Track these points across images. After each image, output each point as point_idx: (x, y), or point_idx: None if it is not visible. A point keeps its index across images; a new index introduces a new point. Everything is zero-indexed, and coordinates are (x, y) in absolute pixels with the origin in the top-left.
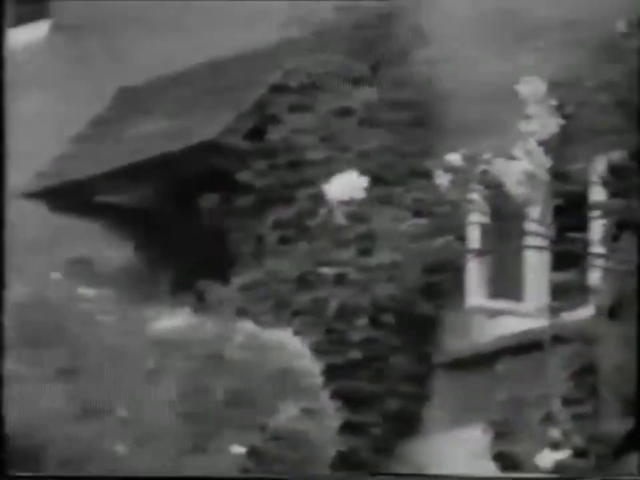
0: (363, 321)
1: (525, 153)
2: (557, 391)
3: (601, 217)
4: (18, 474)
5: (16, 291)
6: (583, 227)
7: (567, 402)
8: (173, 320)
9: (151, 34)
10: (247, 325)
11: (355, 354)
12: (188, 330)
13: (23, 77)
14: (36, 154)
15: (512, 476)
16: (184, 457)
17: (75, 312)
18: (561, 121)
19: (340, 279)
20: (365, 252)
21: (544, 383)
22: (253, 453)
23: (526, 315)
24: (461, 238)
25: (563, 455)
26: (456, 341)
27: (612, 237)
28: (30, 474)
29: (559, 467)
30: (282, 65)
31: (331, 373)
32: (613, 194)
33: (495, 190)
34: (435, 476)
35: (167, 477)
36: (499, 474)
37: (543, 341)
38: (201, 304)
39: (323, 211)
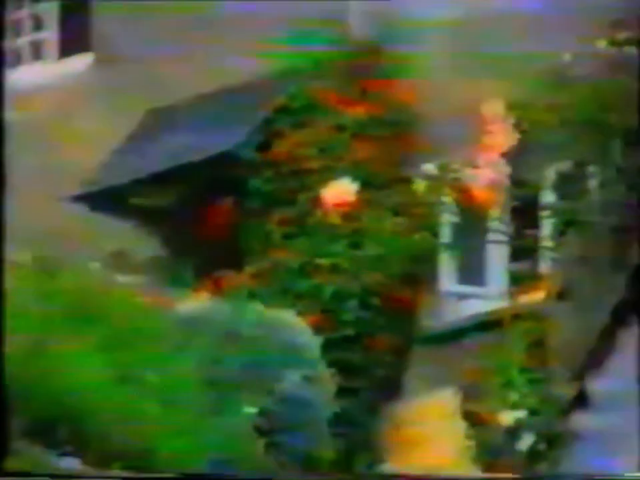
0: (353, 304)
1: (488, 163)
2: (514, 360)
3: (550, 216)
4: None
5: (63, 279)
6: (535, 224)
7: (523, 370)
8: (194, 302)
9: (176, 63)
10: (257, 307)
11: (347, 331)
12: (207, 310)
13: (72, 102)
14: (83, 165)
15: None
16: (205, 417)
17: (113, 295)
18: (517, 136)
19: (334, 268)
20: (355, 246)
21: (504, 354)
22: (262, 413)
23: (489, 298)
24: (435, 234)
25: (520, 414)
26: (431, 320)
27: (559, 233)
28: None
29: (516, 423)
30: (286, 89)
31: (327, 346)
32: (561, 197)
33: (463, 194)
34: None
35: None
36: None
37: (503, 319)
38: (218, 289)
39: (320, 211)
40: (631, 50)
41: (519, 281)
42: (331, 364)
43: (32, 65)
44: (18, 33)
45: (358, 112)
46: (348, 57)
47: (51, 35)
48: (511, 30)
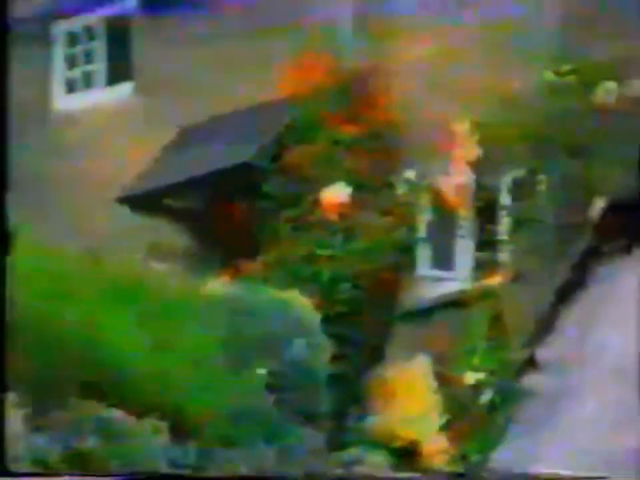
0: (346, 286)
1: (456, 171)
2: (477, 331)
3: (507, 215)
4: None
5: (109, 265)
6: (495, 221)
7: (484, 339)
8: (217, 285)
9: (202, 89)
10: (269, 288)
11: (341, 308)
12: (228, 291)
13: (117, 122)
14: (126, 173)
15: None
16: (225, 377)
17: (149, 279)
18: (480, 149)
19: (331, 258)
20: (349, 239)
21: (468, 326)
22: (272, 374)
23: (457, 281)
24: (414, 229)
25: (480, 375)
26: (410, 299)
27: (513, 228)
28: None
29: (477, 382)
30: (292, 112)
31: (324, 321)
32: (515, 199)
33: (437, 197)
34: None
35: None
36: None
37: (468, 298)
38: (237, 274)
39: (319, 211)
40: (572, 79)
41: (481, 267)
42: (327, 335)
43: (84, 92)
44: (72, 65)
45: (351, 130)
46: (342, 86)
47: (99, 67)
48: (475, 61)
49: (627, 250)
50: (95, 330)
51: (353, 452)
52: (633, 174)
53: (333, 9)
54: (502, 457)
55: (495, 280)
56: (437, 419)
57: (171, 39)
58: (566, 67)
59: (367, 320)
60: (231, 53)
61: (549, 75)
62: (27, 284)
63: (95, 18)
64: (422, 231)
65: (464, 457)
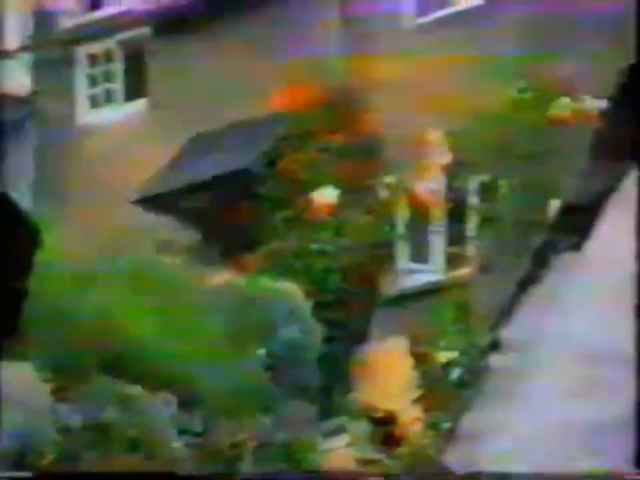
0: (335, 277)
1: (430, 176)
2: (448, 316)
3: (474, 214)
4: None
5: (126, 261)
6: (464, 220)
7: (454, 323)
8: (221, 277)
9: (207, 105)
10: (266, 279)
11: (330, 296)
12: (230, 282)
13: (133, 133)
14: (141, 178)
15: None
16: (229, 357)
17: (161, 272)
18: (451, 156)
19: (321, 252)
20: (337, 235)
21: (441, 312)
22: (269, 354)
23: (431, 272)
24: (393, 227)
25: (451, 354)
26: (390, 288)
27: (480, 226)
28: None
29: (449, 361)
30: (286, 123)
31: (315, 307)
32: (481, 200)
33: (413, 198)
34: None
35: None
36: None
37: (441, 287)
38: (238, 267)
39: (310, 211)
40: (531, 95)
41: (451, 260)
42: (318, 320)
43: (104, 107)
44: (94, 84)
45: (337, 140)
46: (330, 102)
47: (117, 85)
48: (447, 80)
49: (577, 246)
50: (113, 316)
51: (339, 421)
52: (583, 179)
53: (321, 34)
54: (470, 422)
55: (464, 272)
56: (412, 393)
57: (180, 60)
58: (525, 85)
59: (352, 307)
60: (233, 74)
61: (511, 92)
62: (54, 276)
63: (113, 42)
64: (400, 229)
65: (435, 425)
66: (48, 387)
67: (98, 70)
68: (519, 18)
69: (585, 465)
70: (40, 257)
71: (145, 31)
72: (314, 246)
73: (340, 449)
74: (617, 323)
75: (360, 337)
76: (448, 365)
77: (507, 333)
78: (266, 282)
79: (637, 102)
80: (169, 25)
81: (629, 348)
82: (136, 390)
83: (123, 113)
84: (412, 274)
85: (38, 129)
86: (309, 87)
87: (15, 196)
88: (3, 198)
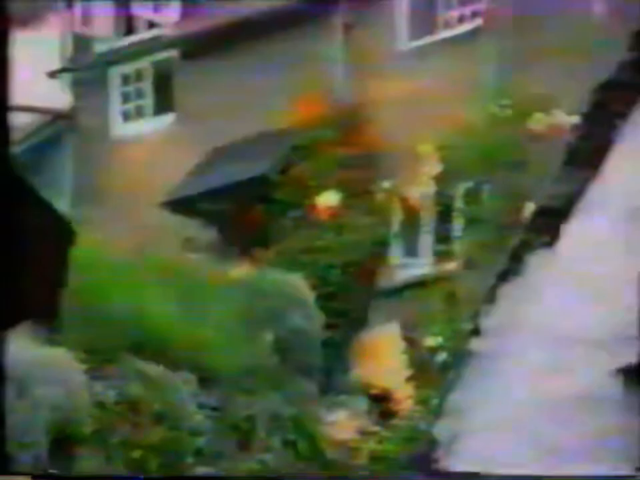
0: (337, 272)
1: (422, 182)
2: (436, 306)
3: (459, 216)
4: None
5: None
6: (450, 221)
7: (441, 312)
8: (237, 270)
9: (228, 119)
10: (277, 273)
11: (332, 288)
12: (246, 276)
13: (162, 145)
14: (168, 183)
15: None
16: (241, 340)
17: (186, 265)
18: (440, 166)
19: (325, 249)
20: (339, 234)
21: (429, 302)
22: (277, 339)
23: (421, 267)
24: (388, 227)
25: (438, 339)
26: (385, 281)
27: (465, 226)
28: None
29: (436, 345)
30: (297, 136)
31: (319, 298)
32: (466, 204)
33: (406, 202)
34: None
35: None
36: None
37: (430, 280)
38: (253, 262)
39: (316, 213)
40: (510, 111)
41: (439, 257)
42: (321, 308)
43: (136, 121)
44: (126, 100)
45: (341, 151)
46: (336, 117)
47: (147, 102)
48: (438, 98)
49: (550, 244)
50: (142, 305)
51: (339, 397)
52: (555, 185)
53: (327, 57)
54: (455, 399)
55: (450, 266)
56: (404, 373)
57: (204, 80)
58: (505, 102)
59: (352, 297)
60: (250, 92)
61: (492, 108)
62: (90, 270)
63: (144, 63)
64: (395, 229)
65: (424, 401)
66: (83, 367)
67: (130, 88)
68: (500, 43)
69: (553, 436)
70: (77, 253)
71: (172, 53)
72: (318, 243)
73: (341, 421)
74: (585, 311)
75: (358, 324)
76: (435, 349)
77: (487, 321)
78: (276, 275)
79: (605, 117)
80: (194, 49)
81: (595, 333)
82: (160, 370)
83: (152, 126)
84: (404, 268)
85: (77, 140)
86: (316, 105)
87: (55, 200)
88: (40, 199)
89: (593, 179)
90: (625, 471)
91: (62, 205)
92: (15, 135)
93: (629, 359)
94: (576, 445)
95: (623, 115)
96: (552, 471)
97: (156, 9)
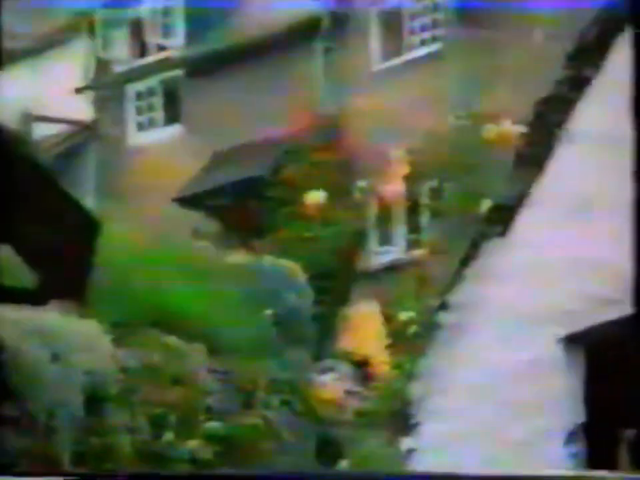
0: (323, 256)
1: (394, 182)
2: (408, 288)
3: (426, 209)
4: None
5: (168, 246)
6: (419, 214)
7: (413, 292)
8: (238, 256)
9: (229, 130)
10: (272, 259)
11: (320, 270)
12: (244, 261)
13: (171, 151)
14: (178, 183)
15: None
16: (245, 314)
17: (194, 252)
18: (409, 167)
19: (312, 239)
20: (324, 226)
21: (403, 284)
22: (275, 314)
23: (395, 253)
24: (366, 220)
25: (410, 314)
26: (364, 265)
27: (431, 218)
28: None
29: (409, 319)
30: (288, 143)
31: (309, 279)
32: (431, 199)
33: (381, 199)
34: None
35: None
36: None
37: (403, 264)
38: (251, 250)
39: (304, 208)
40: (468, 121)
41: (410, 244)
42: (311, 288)
43: (148, 131)
44: (140, 113)
45: (325, 155)
46: (321, 127)
47: (158, 114)
48: (407, 110)
49: (502, 234)
50: (159, 285)
51: (327, 363)
52: (508, 184)
53: (312, 77)
54: (425, 364)
55: (419, 253)
56: (381, 342)
57: (206, 95)
58: (463, 114)
59: (336, 278)
60: (247, 106)
61: (452, 119)
62: (114, 255)
63: (154, 81)
64: (371, 221)
65: (399, 366)
66: (110, 337)
67: (143, 103)
68: (458, 63)
69: (509, 394)
70: (102, 242)
71: (179, 73)
72: (307, 234)
73: (329, 383)
74: (534, 289)
75: (343, 301)
76: (408, 322)
77: (452, 298)
78: (272, 260)
79: (546, 126)
80: (198, 69)
81: (542, 308)
82: (176, 340)
83: (162, 135)
84: (380, 255)
85: (98, 147)
86: (303, 117)
87: (81, 198)
88: (69, 196)
89: (538, 178)
90: (567, 426)
91: (87, 201)
92: (47, 143)
93: (571, 329)
94: (528, 402)
95: (561, 124)
96: (508, 423)
97: (164, 35)
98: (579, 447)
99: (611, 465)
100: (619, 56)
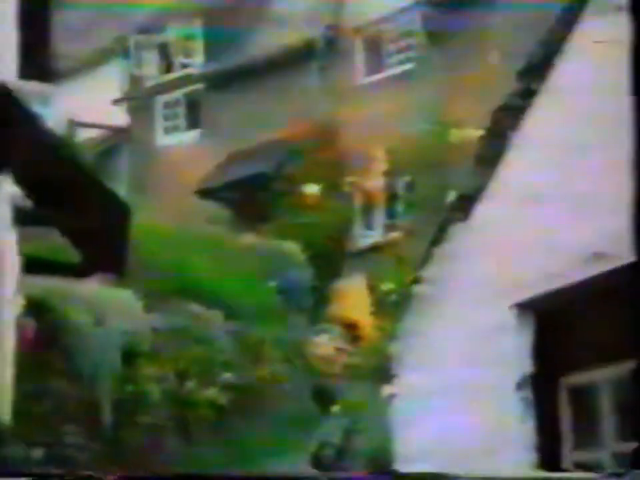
0: (318, 239)
1: (375, 177)
2: (387, 265)
3: (402, 201)
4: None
5: (190, 229)
6: (395, 204)
7: (392, 267)
8: (247, 239)
9: (242, 132)
10: (275, 241)
11: (315, 251)
12: (252, 243)
13: (192, 153)
14: (197, 180)
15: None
16: (252, 286)
17: (212, 235)
18: (388, 165)
19: (308, 224)
20: (317, 214)
21: (382, 261)
22: (279, 286)
23: (375, 238)
24: (352, 209)
25: (389, 285)
26: (352, 246)
27: (405, 208)
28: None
29: (387, 288)
30: (290, 146)
31: (307, 258)
32: (406, 192)
33: (364, 191)
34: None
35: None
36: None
37: (382, 245)
38: (258, 234)
39: (301, 200)
40: (437, 127)
41: (388, 229)
42: (308, 264)
43: (173, 134)
44: (166, 119)
45: (320, 155)
46: (316, 132)
47: (181, 121)
48: (388, 118)
49: (465, 219)
50: (183, 262)
51: (322, 326)
52: (469, 178)
53: (308, 90)
54: (403, 327)
55: (396, 236)
56: (367, 309)
57: (222, 105)
58: (433, 121)
59: (329, 257)
60: (255, 113)
61: (425, 125)
62: (146, 237)
63: (179, 93)
64: (357, 210)
65: (382, 329)
66: (143, 304)
67: (169, 111)
68: (428, 79)
69: (473, 350)
70: (135, 225)
71: (199, 86)
72: (305, 220)
73: (323, 342)
74: (491, 267)
75: (334, 275)
76: (388, 292)
77: (424, 273)
78: (276, 242)
79: (501, 131)
80: (215, 83)
81: (498, 282)
82: (197, 307)
83: (185, 138)
84: (365, 237)
85: (131, 148)
86: (302, 124)
87: (116, 189)
88: (107, 188)
89: (493, 174)
90: (518, 376)
91: (121, 192)
92: (89, 144)
93: (523, 298)
94: (488, 357)
95: (513, 129)
96: (472, 374)
97: (187, 56)
98: (527, 392)
99: (551, 408)
100: (561, 71)
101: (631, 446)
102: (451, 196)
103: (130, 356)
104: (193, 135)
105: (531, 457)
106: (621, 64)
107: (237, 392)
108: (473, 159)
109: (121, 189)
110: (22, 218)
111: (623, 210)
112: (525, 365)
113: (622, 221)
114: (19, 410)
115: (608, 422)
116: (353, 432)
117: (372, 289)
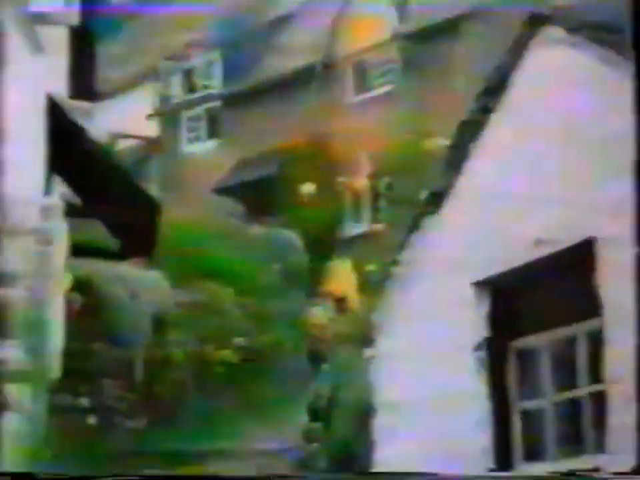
0: (314, 228)
1: (362, 178)
2: (372, 247)
3: (384, 197)
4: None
5: (208, 222)
6: (379, 201)
7: (373, 251)
8: (255, 229)
9: (251, 141)
10: (279, 230)
11: (312, 238)
12: (260, 232)
13: (211, 159)
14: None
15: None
16: (260, 268)
17: (228, 226)
18: (372, 167)
19: (307, 216)
20: (314, 209)
21: (367, 245)
22: (280, 268)
23: (363, 229)
24: (343, 205)
25: (372, 266)
26: (342, 235)
27: (386, 204)
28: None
29: (371, 271)
30: (290, 153)
31: (305, 244)
32: (389, 190)
33: (353, 190)
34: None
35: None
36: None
37: (368, 234)
38: (264, 225)
39: (300, 197)
40: (414, 138)
41: (373, 221)
42: (305, 250)
43: (195, 143)
44: (190, 131)
45: (316, 160)
46: (313, 142)
47: (202, 132)
48: (375, 130)
49: (436, 212)
50: (203, 247)
51: (316, 300)
52: (439, 179)
53: (306, 107)
54: (383, 301)
55: (379, 226)
56: (354, 286)
57: (238, 120)
58: (410, 131)
59: (324, 242)
60: (262, 127)
61: (405, 136)
62: (171, 230)
63: (200, 110)
64: (347, 205)
65: (366, 302)
66: (169, 283)
67: (192, 124)
68: (405, 98)
69: (446, 320)
70: (163, 218)
71: (218, 104)
72: (302, 214)
73: (317, 313)
74: (458, 253)
75: (326, 258)
76: (371, 272)
77: (401, 256)
78: (279, 231)
79: (465, 140)
80: (231, 101)
81: (465, 264)
82: (214, 284)
83: (206, 147)
84: (352, 228)
85: (161, 155)
86: (302, 133)
87: (148, 189)
88: (141, 188)
89: (459, 176)
90: (476, 339)
91: (152, 191)
92: (126, 152)
93: (481, 276)
94: (450, 324)
95: (474, 140)
96: (439, 339)
97: (207, 78)
98: (483, 353)
99: (501, 366)
100: (513, 92)
101: (566, 395)
102: (424, 194)
103: (158, 324)
104: (212, 144)
105: (484, 405)
106: (561, 87)
107: (246, 353)
108: (442, 163)
109: (152, 189)
110: (71, 211)
111: (559, 205)
112: (481, 331)
113: (559, 214)
114: (68, 367)
115: (547, 377)
116: (340, 386)
117: (358, 269)
